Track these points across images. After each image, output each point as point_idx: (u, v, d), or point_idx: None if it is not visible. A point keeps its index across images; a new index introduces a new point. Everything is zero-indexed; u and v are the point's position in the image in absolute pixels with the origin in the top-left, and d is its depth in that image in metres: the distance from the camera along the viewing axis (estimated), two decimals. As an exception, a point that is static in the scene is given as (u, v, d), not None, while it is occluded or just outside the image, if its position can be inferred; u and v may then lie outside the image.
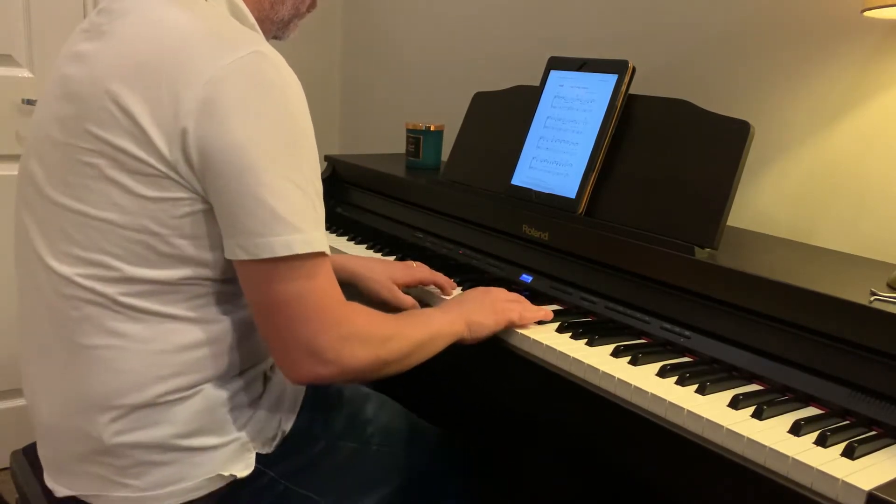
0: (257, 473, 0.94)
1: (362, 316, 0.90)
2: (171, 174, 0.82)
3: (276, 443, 0.97)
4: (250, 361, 0.95)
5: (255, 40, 0.84)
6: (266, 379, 0.98)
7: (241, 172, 0.80)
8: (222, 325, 0.90)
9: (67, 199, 0.86)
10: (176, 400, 0.88)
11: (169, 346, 0.87)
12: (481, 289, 1.13)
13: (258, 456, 0.95)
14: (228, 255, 0.84)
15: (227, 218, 0.83)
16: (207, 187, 0.82)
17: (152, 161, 0.81)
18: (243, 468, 0.93)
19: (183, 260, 0.85)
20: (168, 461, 0.89)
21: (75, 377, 0.88)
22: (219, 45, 0.82)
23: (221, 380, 0.91)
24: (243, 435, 0.93)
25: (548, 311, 1.12)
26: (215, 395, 0.90)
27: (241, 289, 0.90)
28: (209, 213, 0.85)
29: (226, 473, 0.91)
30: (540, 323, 1.12)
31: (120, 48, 0.84)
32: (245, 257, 0.82)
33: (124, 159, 0.82)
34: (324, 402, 1.06)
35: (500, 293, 1.12)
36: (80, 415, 0.88)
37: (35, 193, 0.90)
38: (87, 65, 0.86)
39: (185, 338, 0.87)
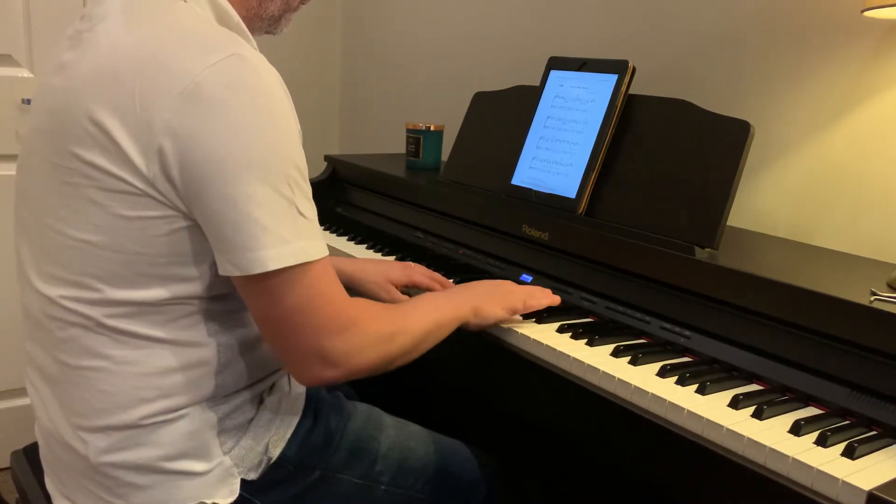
0: (242, 501, 0.92)
1: (366, 315, 0.88)
2: (150, 192, 0.79)
3: (262, 469, 0.93)
4: (241, 384, 0.92)
5: (232, 42, 0.80)
6: (260, 402, 0.95)
7: (225, 187, 0.77)
8: (209, 348, 0.87)
9: (51, 218, 0.84)
10: (161, 422, 0.86)
11: (154, 368, 0.85)
12: (491, 280, 1.14)
13: (243, 483, 0.92)
14: (221, 272, 0.82)
15: (214, 233, 0.80)
16: (192, 204, 0.79)
17: (130, 179, 0.78)
18: (227, 495, 0.91)
19: (166, 279, 0.83)
20: (151, 484, 0.87)
21: (63, 394, 0.88)
22: (192, 51, 0.78)
23: (209, 402, 0.89)
24: (227, 460, 0.91)
25: (555, 297, 1.13)
26: (202, 417, 0.88)
27: (233, 306, 0.89)
28: (192, 229, 0.82)
29: (209, 502, 0.89)
30: (540, 322, 1.12)
31: (94, 59, 0.81)
32: (238, 273, 0.80)
33: (102, 178, 0.79)
34: (323, 429, 1.01)
35: (509, 284, 1.13)
36: (70, 431, 0.87)
37: (25, 209, 0.89)
38: (66, 77, 0.83)
39: (171, 361, 0.85)
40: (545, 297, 1.13)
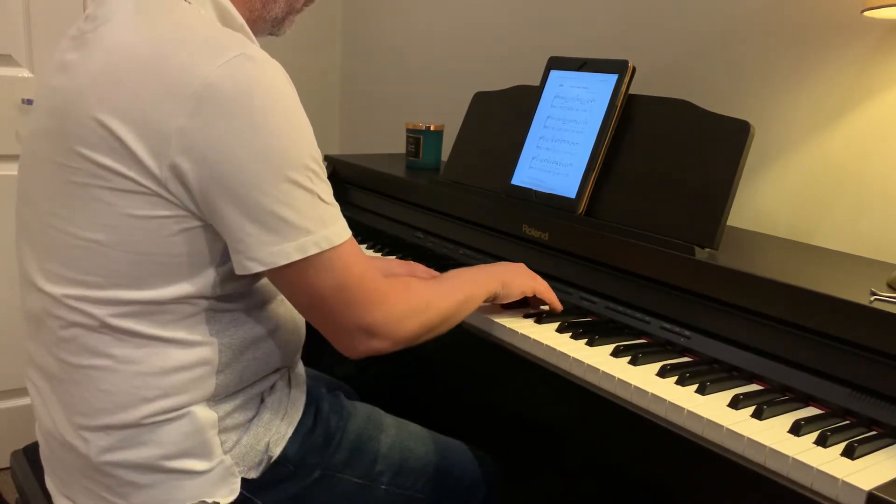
0: (242, 500, 0.92)
1: (400, 287, 0.92)
2: (161, 192, 0.79)
3: (262, 468, 0.93)
4: (242, 383, 0.92)
5: (239, 42, 0.80)
6: (261, 401, 0.95)
7: (245, 188, 0.78)
8: (211, 347, 0.88)
9: (55, 218, 0.84)
10: (162, 421, 0.86)
11: (155, 368, 0.85)
12: (510, 263, 1.18)
13: (244, 481, 0.92)
14: (240, 271, 0.82)
15: (235, 234, 0.81)
16: (209, 206, 0.80)
17: (140, 179, 0.79)
18: (228, 494, 0.91)
19: (173, 279, 0.83)
20: (152, 483, 0.87)
21: (64, 394, 0.88)
22: (199, 52, 0.78)
23: (210, 402, 0.89)
24: (228, 459, 0.91)
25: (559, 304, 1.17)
26: (203, 417, 0.88)
27: (236, 305, 0.89)
28: (202, 230, 0.82)
29: (209, 501, 0.89)
30: (540, 322, 1.12)
31: (99, 61, 0.81)
32: (261, 268, 0.81)
33: (110, 177, 0.79)
34: (324, 429, 1.01)
35: (525, 267, 1.18)
36: (71, 431, 0.87)
37: (27, 209, 0.89)
38: (70, 77, 0.83)
39: (173, 360, 0.85)
40: (555, 298, 1.16)
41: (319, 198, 0.83)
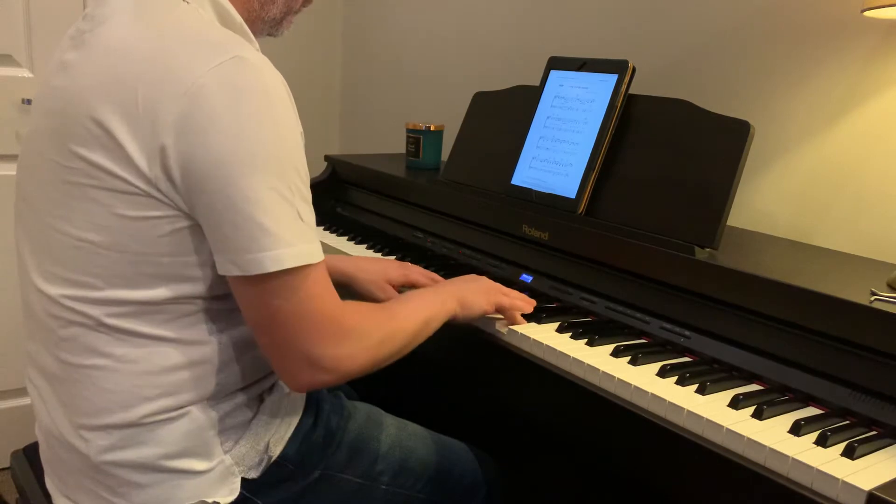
0: (242, 499, 0.92)
1: (358, 320, 0.88)
2: (153, 192, 0.79)
3: (262, 468, 0.93)
4: (242, 382, 0.92)
5: (236, 44, 0.80)
6: (261, 401, 0.95)
7: (226, 187, 0.78)
8: (210, 346, 0.88)
9: (52, 218, 0.84)
10: (163, 420, 0.86)
11: (155, 367, 0.85)
12: (472, 276, 1.15)
13: (244, 481, 0.92)
14: (221, 271, 0.82)
15: (215, 234, 0.80)
16: (193, 204, 0.80)
17: (132, 179, 0.79)
18: (227, 493, 0.91)
19: (168, 279, 0.83)
20: (152, 483, 0.87)
21: (64, 394, 0.88)
22: (195, 52, 0.78)
23: (210, 401, 0.89)
24: (228, 458, 0.91)
25: (532, 300, 1.14)
26: (203, 416, 0.88)
27: (234, 304, 0.88)
28: (194, 229, 0.82)
29: (209, 500, 0.90)
30: (540, 322, 1.12)
31: (98, 60, 0.82)
32: (237, 273, 0.80)
33: (104, 178, 0.79)
34: (324, 429, 1.01)
35: (489, 280, 1.14)
36: (71, 430, 0.88)
37: (26, 209, 0.89)
38: (69, 77, 0.83)
39: (172, 359, 0.85)
40: (522, 300, 1.13)
41: (298, 213, 0.82)
